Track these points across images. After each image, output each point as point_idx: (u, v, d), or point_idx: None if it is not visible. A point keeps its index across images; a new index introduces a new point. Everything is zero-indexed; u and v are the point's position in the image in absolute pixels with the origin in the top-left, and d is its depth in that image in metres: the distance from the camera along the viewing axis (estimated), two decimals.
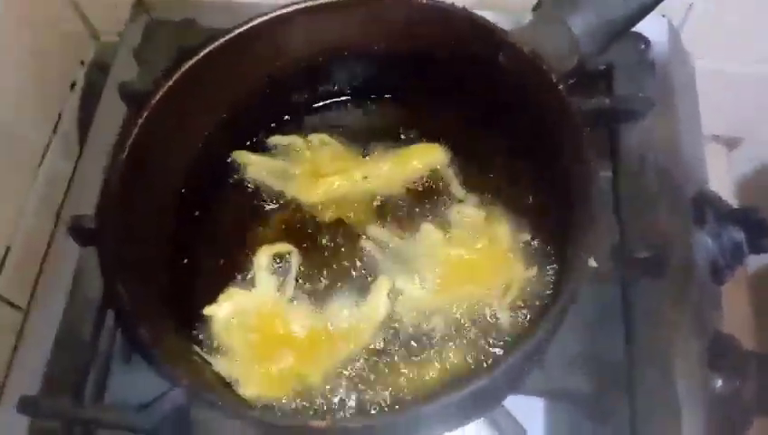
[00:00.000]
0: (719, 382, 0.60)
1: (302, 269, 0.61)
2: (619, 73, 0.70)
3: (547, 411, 0.60)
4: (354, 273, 0.60)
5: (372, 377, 0.56)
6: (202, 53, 0.59)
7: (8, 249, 0.75)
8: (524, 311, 0.57)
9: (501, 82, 0.60)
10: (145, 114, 0.56)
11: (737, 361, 0.61)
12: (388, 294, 0.58)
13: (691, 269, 0.64)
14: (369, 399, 0.55)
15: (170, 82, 0.57)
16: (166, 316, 0.56)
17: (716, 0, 0.76)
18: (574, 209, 0.54)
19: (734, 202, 0.79)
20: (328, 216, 0.64)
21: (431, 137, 0.66)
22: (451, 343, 0.57)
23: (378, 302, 0.58)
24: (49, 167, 0.82)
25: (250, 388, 0.55)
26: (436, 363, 0.56)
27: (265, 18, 0.61)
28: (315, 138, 0.67)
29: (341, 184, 0.64)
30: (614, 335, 0.60)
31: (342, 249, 0.62)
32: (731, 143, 0.95)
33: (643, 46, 0.71)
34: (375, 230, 0.62)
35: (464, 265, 0.59)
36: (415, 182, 0.65)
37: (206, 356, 0.56)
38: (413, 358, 0.56)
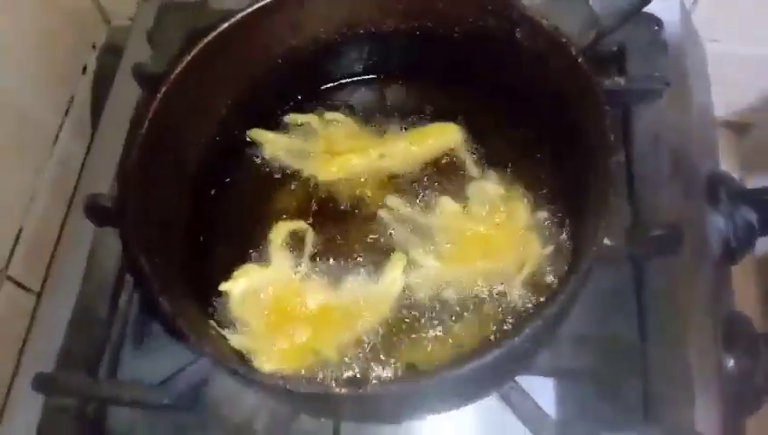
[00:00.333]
0: (731, 362, 0.59)
1: (318, 246, 0.61)
2: (632, 55, 0.70)
3: (558, 391, 0.59)
4: (369, 249, 0.60)
5: (386, 350, 0.56)
6: (220, 29, 0.59)
7: (21, 230, 0.76)
8: (539, 288, 0.57)
9: (518, 58, 0.59)
10: (164, 89, 0.56)
11: (750, 340, 0.61)
12: (404, 269, 0.58)
13: (704, 248, 0.64)
14: (383, 372, 0.55)
15: (188, 58, 0.57)
16: (184, 292, 0.56)
17: None
18: (592, 188, 0.54)
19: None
20: (344, 193, 0.64)
21: (447, 116, 0.66)
22: (464, 317, 0.57)
23: (393, 277, 0.58)
24: (62, 149, 0.82)
25: (266, 362, 0.55)
26: (449, 337, 0.56)
27: None
28: (331, 116, 0.67)
29: (358, 162, 0.64)
30: (627, 315, 0.60)
31: (358, 226, 0.62)
32: (740, 129, 0.95)
33: (656, 27, 0.71)
34: (394, 200, 0.62)
35: (480, 240, 0.59)
36: (431, 160, 0.64)
37: (223, 332, 0.56)
38: (427, 332, 0.56)
